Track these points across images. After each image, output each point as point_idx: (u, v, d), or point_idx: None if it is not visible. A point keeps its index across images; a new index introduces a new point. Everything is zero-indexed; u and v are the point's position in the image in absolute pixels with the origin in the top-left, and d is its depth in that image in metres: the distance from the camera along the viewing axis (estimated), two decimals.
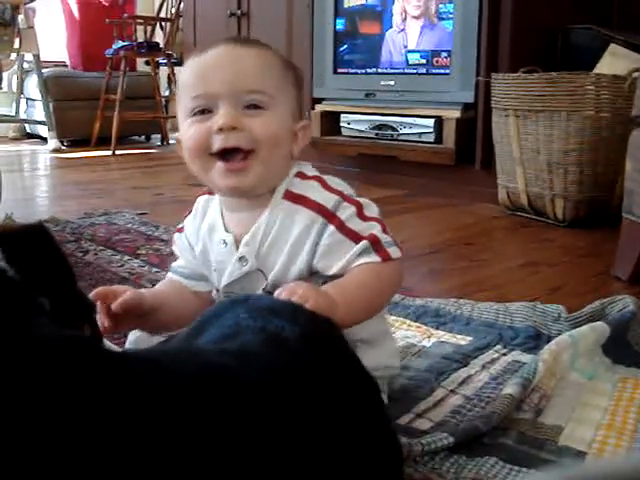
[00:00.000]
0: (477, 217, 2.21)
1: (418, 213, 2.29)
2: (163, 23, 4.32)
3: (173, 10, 4.20)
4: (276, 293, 0.73)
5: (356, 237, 0.81)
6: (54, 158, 3.87)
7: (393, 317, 1.23)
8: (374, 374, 0.70)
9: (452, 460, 0.78)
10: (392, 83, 2.61)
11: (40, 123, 4.28)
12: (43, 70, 4.17)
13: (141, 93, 4.31)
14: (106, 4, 4.49)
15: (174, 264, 0.94)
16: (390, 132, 2.63)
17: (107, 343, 0.87)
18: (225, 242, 0.85)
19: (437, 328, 1.20)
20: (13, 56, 4.17)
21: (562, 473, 0.35)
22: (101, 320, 0.81)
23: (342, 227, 0.81)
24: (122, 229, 1.96)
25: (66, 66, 4.72)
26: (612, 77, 1.90)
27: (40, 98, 4.14)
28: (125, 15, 4.24)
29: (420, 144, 2.52)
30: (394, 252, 0.82)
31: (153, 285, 1.04)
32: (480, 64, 2.31)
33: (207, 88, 0.81)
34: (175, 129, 0.96)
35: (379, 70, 2.67)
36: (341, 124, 2.80)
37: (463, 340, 1.14)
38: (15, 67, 4.50)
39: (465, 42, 2.35)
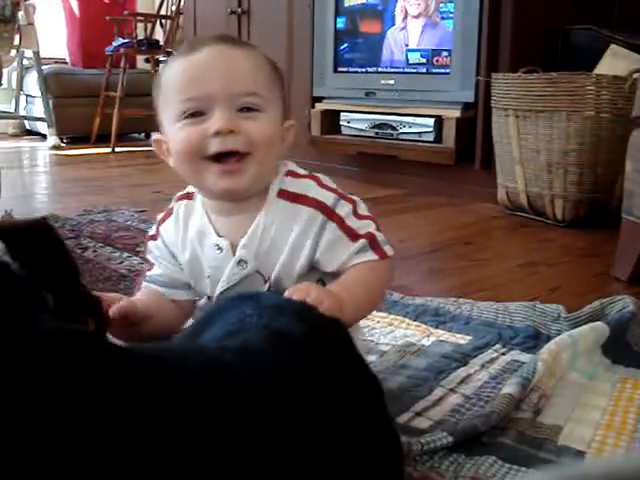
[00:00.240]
0: (477, 217, 2.21)
1: (417, 212, 2.29)
2: (163, 21, 4.31)
3: (173, 8, 4.19)
4: (287, 293, 0.73)
5: (354, 235, 0.83)
6: (53, 155, 3.87)
7: (392, 316, 1.24)
8: None
9: (451, 459, 0.78)
10: (392, 82, 2.61)
11: (40, 120, 4.28)
12: (43, 67, 4.17)
13: (141, 91, 4.29)
14: (106, 1, 4.49)
15: (150, 273, 0.91)
16: (390, 131, 2.63)
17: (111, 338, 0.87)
18: (219, 247, 0.84)
19: (436, 327, 1.20)
20: (13, 53, 4.16)
21: (561, 473, 0.35)
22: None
23: (342, 224, 0.83)
24: (121, 226, 1.96)
25: (66, 63, 4.72)
26: (612, 78, 1.90)
27: (40, 95, 4.13)
28: (125, 12, 4.23)
29: (420, 143, 2.52)
30: (389, 250, 0.85)
31: None
32: (480, 64, 2.31)
33: (201, 90, 0.79)
34: None
35: (379, 69, 2.67)
36: (341, 123, 2.80)
37: (462, 339, 1.14)
38: (15, 64, 4.49)
39: (465, 41, 2.35)
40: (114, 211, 2.16)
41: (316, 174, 0.87)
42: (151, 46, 4.14)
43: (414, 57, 2.55)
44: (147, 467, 0.44)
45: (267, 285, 0.83)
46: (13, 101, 4.64)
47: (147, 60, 4.40)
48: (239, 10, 3.28)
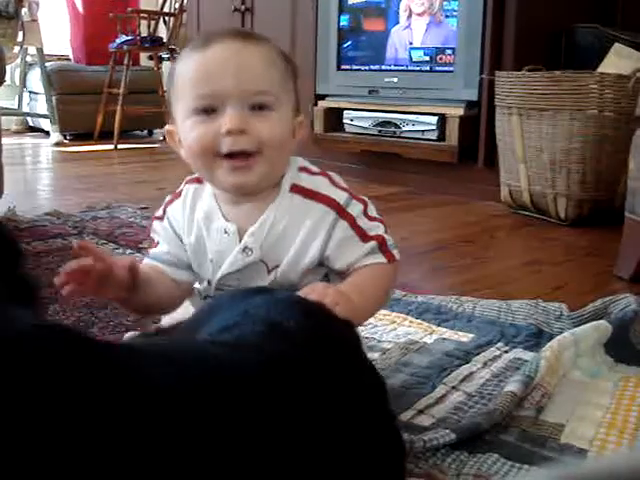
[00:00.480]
0: (480, 215, 2.21)
1: (420, 211, 2.29)
2: (167, 18, 4.31)
3: (177, 5, 4.19)
4: (303, 292, 0.74)
5: (364, 235, 0.84)
6: (56, 151, 3.88)
7: (395, 313, 1.24)
8: None
9: (453, 456, 0.78)
10: (395, 80, 2.60)
11: (43, 116, 4.28)
12: (46, 63, 4.18)
13: (144, 87, 4.30)
14: None
15: (154, 250, 0.90)
16: (393, 129, 2.62)
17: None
18: (227, 231, 0.84)
19: (439, 325, 1.20)
20: (16, 49, 4.16)
21: (563, 471, 0.35)
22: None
23: (353, 223, 0.84)
24: (124, 223, 1.97)
25: (69, 60, 4.72)
26: (616, 76, 1.90)
27: (43, 91, 4.14)
28: (129, 9, 4.23)
29: (423, 141, 2.52)
30: (397, 254, 0.86)
31: None
32: (484, 62, 2.31)
33: (213, 88, 0.79)
34: None
35: (383, 67, 2.67)
36: (344, 121, 2.80)
37: (465, 337, 1.14)
38: (18, 60, 4.49)
39: (469, 40, 2.34)
40: (117, 208, 2.16)
41: (328, 172, 0.87)
42: (154, 43, 4.13)
43: (418, 55, 2.55)
44: (134, 465, 0.44)
45: (271, 275, 0.84)
46: (16, 98, 4.64)
47: (150, 57, 4.40)
48: (243, 7, 3.28)
